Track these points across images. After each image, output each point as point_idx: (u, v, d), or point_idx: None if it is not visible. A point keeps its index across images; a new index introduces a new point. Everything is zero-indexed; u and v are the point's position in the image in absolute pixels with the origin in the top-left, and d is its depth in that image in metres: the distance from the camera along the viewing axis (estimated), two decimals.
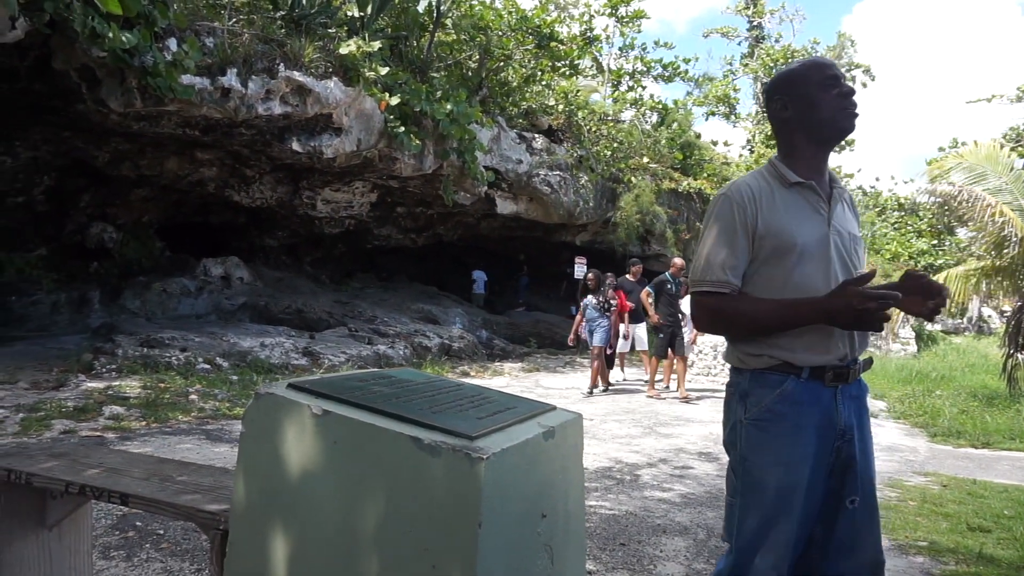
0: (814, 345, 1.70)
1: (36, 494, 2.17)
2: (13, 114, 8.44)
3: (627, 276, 10.17)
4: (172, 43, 7.12)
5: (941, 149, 28.96)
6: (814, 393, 1.69)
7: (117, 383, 6.90)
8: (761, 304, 1.72)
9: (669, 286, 9.13)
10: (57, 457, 2.27)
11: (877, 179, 50.19)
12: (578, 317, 9.46)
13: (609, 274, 9.71)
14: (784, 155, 1.84)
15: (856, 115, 1.79)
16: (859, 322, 1.61)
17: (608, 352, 9.34)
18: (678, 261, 9.46)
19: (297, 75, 8.39)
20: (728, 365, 1.87)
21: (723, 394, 1.89)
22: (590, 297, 9.13)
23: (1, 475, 2.09)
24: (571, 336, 9.78)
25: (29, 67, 7.21)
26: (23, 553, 2.17)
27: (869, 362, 1.85)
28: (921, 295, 1.74)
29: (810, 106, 1.76)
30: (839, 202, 1.83)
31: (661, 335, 9.09)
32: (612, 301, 9.08)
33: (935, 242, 24.18)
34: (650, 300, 9.22)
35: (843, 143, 27.86)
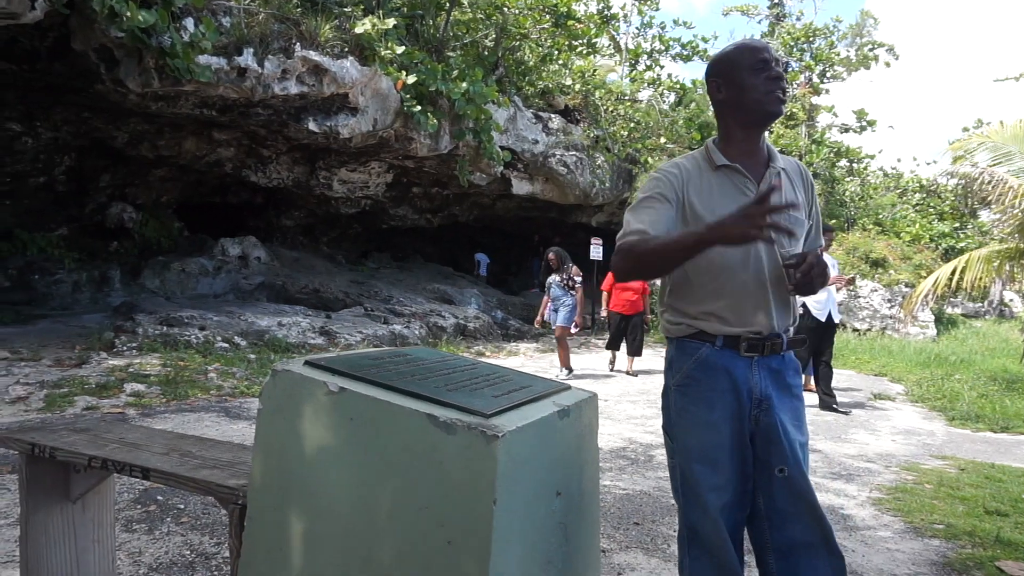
0: (728, 317, 1.77)
1: (60, 468, 2.21)
2: (34, 95, 8.52)
3: None
4: (190, 23, 7.12)
5: (965, 129, 28.40)
6: (728, 361, 1.78)
7: (138, 361, 7.00)
8: (660, 238, 1.70)
9: None
10: (80, 432, 2.31)
11: (899, 160, 49.37)
12: (544, 298, 9.08)
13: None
14: (720, 137, 1.90)
15: (783, 100, 1.82)
16: (744, 233, 1.50)
17: (573, 332, 8.86)
18: None
19: (313, 54, 8.37)
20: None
21: None
22: (554, 276, 8.77)
23: (26, 449, 2.14)
24: (537, 319, 9.45)
25: (49, 48, 7.26)
26: (48, 525, 2.22)
27: (801, 341, 1.91)
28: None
29: (740, 89, 1.80)
30: (772, 181, 1.83)
31: None
32: (576, 278, 8.67)
33: (957, 225, 23.81)
34: None
35: (864, 123, 27.44)
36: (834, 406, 7.22)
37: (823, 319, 7.06)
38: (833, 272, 7.18)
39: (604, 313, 9.84)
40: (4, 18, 5.93)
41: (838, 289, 7.39)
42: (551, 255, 8.84)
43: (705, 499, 1.73)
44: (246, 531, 1.66)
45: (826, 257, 7.68)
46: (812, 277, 1.72)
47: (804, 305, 6.85)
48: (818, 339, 7.09)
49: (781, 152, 1.97)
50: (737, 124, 1.85)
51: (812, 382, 7.69)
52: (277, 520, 1.61)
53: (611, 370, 9.47)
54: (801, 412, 1.87)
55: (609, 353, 9.78)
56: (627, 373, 9.34)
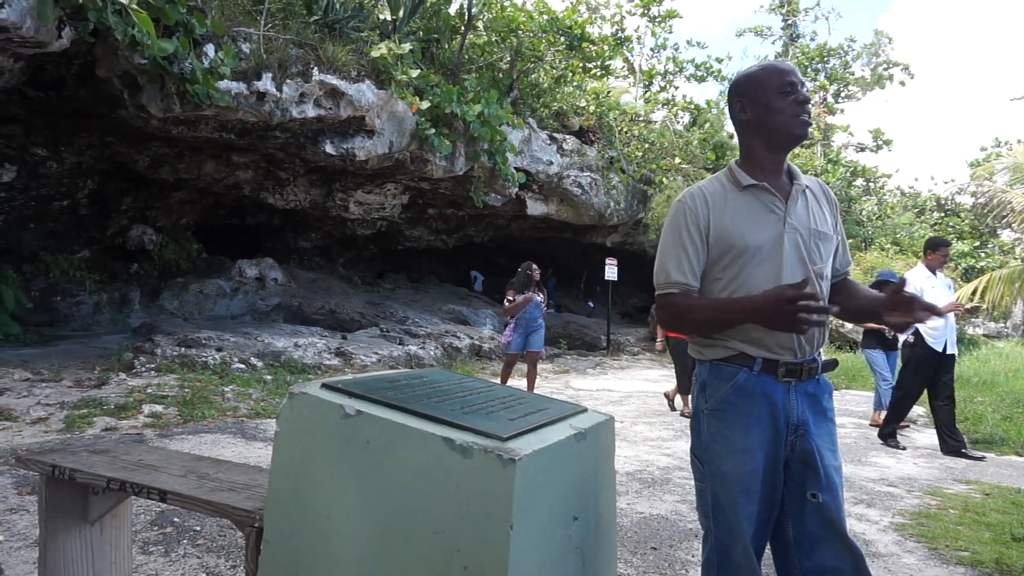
0: (766, 340, 1.75)
1: (79, 490, 2.23)
2: (60, 121, 8.70)
3: None
4: (210, 49, 7.27)
5: (983, 148, 28.18)
6: (766, 386, 1.76)
7: (156, 381, 7.06)
8: (702, 303, 1.79)
9: None
10: (99, 454, 2.33)
11: (916, 179, 49.08)
12: (509, 320, 7.72)
13: None
14: (743, 158, 1.90)
15: (809, 123, 1.83)
16: (787, 325, 1.60)
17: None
18: None
19: (330, 78, 8.50)
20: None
21: None
22: (537, 296, 7.61)
23: (46, 471, 2.16)
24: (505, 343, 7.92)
25: (75, 75, 7.43)
26: (67, 547, 2.23)
27: (833, 363, 1.88)
28: (904, 308, 1.80)
29: (767, 111, 1.81)
30: (799, 198, 1.85)
31: None
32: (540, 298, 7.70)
33: (977, 244, 23.55)
34: None
35: (880, 143, 27.25)
36: (963, 450, 6.22)
37: (940, 349, 6.05)
38: (949, 296, 6.18)
39: (660, 345, 8.63)
40: (32, 47, 6.09)
41: (958, 316, 6.33)
42: (536, 267, 7.74)
43: (740, 527, 1.71)
44: (262, 554, 1.66)
45: (940, 277, 6.17)
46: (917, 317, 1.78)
47: (916, 332, 6.05)
48: (932, 371, 6.14)
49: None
50: (762, 145, 1.84)
51: (880, 416, 7.20)
52: (293, 543, 1.61)
53: (672, 407, 8.12)
54: (835, 436, 1.86)
55: (670, 392, 8.27)
56: (683, 415, 7.75)
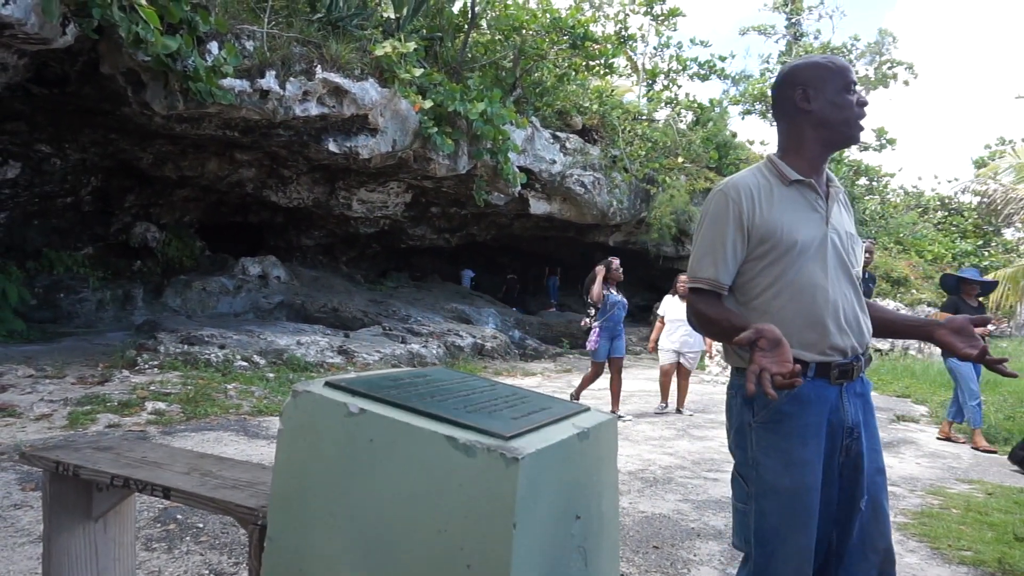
0: (816, 342, 1.68)
1: (83, 486, 2.23)
2: (64, 118, 8.72)
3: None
4: (214, 47, 7.28)
5: (987, 147, 28.13)
6: (821, 391, 1.68)
7: (159, 379, 7.07)
8: (728, 316, 1.68)
9: None
10: (103, 451, 2.34)
11: (919, 178, 48.96)
12: (593, 323, 7.21)
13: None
14: (787, 151, 1.82)
15: (863, 128, 1.80)
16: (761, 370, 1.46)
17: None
18: None
19: (334, 76, 8.50)
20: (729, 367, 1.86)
21: None
22: (620, 295, 7.21)
23: (50, 467, 2.16)
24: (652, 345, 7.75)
25: (79, 72, 7.44)
26: (70, 543, 2.24)
27: (869, 359, 1.83)
28: (967, 336, 1.73)
29: (832, 107, 1.73)
30: (835, 201, 1.81)
31: None
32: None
33: (981, 243, 23.49)
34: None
35: (883, 142, 27.12)
36: None
37: None
38: None
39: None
40: (36, 43, 6.10)
41: None
42: (618, 262, 7.23)
43: (804, 545, 1.62)
44: (265, 552, 1.67)
45: None
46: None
47: None
48: None
49: None
50: (817, 139, 1.77)
51: (951, 427, 6.96)
52: (296, 541, 1.62)
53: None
54: (879, 432, 1.81)
55: None
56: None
